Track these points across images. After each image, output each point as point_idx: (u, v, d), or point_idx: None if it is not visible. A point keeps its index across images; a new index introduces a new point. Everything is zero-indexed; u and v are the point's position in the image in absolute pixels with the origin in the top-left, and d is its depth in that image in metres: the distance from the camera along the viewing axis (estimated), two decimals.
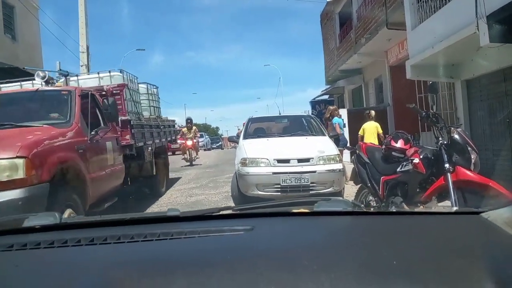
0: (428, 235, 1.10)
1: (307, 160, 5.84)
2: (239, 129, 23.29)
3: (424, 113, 3.41)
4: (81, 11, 20.95)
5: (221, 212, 1.34)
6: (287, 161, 5.85)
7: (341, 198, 2.92)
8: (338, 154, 6.04)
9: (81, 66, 21.18)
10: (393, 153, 3.78)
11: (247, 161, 5.93)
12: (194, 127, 15.14)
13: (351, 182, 6.93)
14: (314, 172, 5.73)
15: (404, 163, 3.52)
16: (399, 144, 3.76)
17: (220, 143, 39.25)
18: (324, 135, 6.94)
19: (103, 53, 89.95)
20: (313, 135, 6.89)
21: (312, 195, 5.50)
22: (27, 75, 11.47)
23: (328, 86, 19.44)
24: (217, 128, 69.95)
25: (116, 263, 1.00)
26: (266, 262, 0.90)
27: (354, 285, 0.79)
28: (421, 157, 3.27)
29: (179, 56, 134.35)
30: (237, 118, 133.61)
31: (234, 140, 7.48)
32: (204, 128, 41.59)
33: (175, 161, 14.18)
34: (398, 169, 3.58)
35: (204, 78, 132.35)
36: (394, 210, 1.93)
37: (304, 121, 7.52)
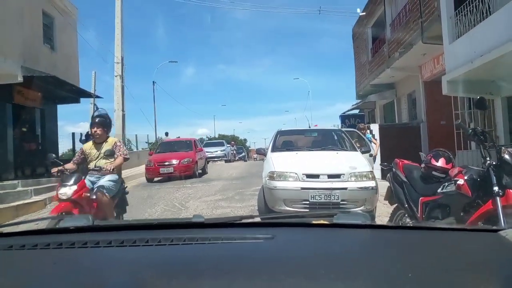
0: (445, 250, 1.11)
1: (338, 176, 5.62)
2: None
3: (470, 131, 3.16)
4: (117, 23, 21.65)
5: (243, 221, 1.40)
6: (316, 176, 5.65)
7: (360, 211, 2.89)
8: (371, 171, 5.79)
9: (116, 76, 21.84)
10: (434, 172, 3.54)
11: (274, 175, 5.77)
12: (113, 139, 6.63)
13: (384, 201, 6.68)
14: (345, 189, 5.50)
15: (446, 184, 3.28)
16: (440, 163, 3.52)
17: (243, 154, 36.29)
18: (355, 150, 6.70)
19: (137, 64, 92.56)
20: (344, 150, 6.67)
21: None
22: (63, 84, 11.86)
23: (358, 101, 19.10)
24: (245, 140, 70.07)
25: (145, 264, 1.03)
26: (285, 270, 0.93)
27: None
28: (466, 178, 3.02)
29: (210, 69, 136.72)
30: (265, 130, 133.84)
31: (262, 152, 7.35)
32: (233, 140, 40.52)
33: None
34: (439, 190, 3.33)
35: (234, 91, 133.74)
36: (411, 225, 1.90)
37: (335, 135, 7.30)
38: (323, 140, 7.18)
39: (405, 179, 3.82)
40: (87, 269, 1.04)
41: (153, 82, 27.29)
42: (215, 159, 24.75)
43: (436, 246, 1.16)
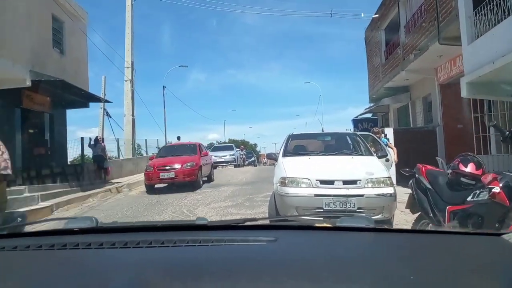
0: (448, 253, 1.10)
1: (354, 182, 5.30)
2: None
3: (508, 133, 2.84)
4: (127, 28, 21.69)
5: (246, 223, 1.39)
6: (331, 182, 5.34)
7: (363, 214, 2.84)
8: (389, 177, 5.46)
9: (126, 81, 21.83)
10: (462, 179, 3.21)
11: (286, 181, 5.48)
12: None
13: (402, 209, 6.33)
14: (362, 196, 5.18)
15: (478, 192, 2.96)
16: (470, 168, 3.20)
17: (253, 159, 34.68)
18: (371, 155, 6.37)
19: (147, 70, 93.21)
20: (360, 154, 6.34)
21: None
22: (72, 88, 11.77)
23: (371, 104, 18.70)
24: (255, 144, 69.78)
25: (148, 266, 1.03)
26: (288, 272, 0.93)
27: None
28: (502, 185, 2.70)
29: (220, 74, 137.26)
30: (275, 135, 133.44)
31: (273, 157, 7.05)
32: (243, 145, 39.99)
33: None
34: (469, 198, 3.02)
35: (244, 95, 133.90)
36: (416, 229, 1.86)
37: (349, 139, 6.98)
38: (337, 144, 6.87)
39: (429, 186, 3.50)
40: (91, 270, 1.04)
41: (163, 86, 27.16)
42: (224, 164, 23.75)
43: (440, 250, 1.15)
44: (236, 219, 1.80)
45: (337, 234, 1.32)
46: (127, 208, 9.53)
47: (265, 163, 39.15)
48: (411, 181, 3.88)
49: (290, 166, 5.78)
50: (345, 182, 5.31)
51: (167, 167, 12.05)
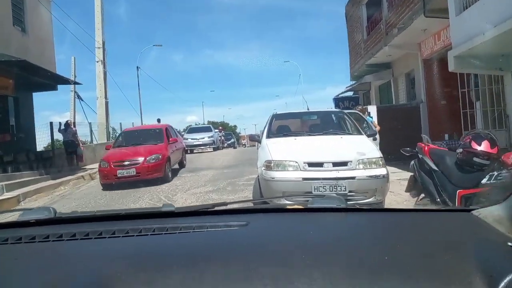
0: (420, 231, 1.12)
1: (345, 163, 4.91)
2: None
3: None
4: (97, 6, 20.47)
5: (216, 208, 1.34)
6: (320, 164, 4.92)
7: (334, 194, 2.70)
8: (381, 157, 5.08)
9: (97, 62, 20.75)
10: (475, 158, 2.83)
11: (272, 164, 5.03)
12: None
13: (396, 192, 6.00)
14: (353, 178, 4.79)
15: (495, 173, 2.57)
16: (483, 147, 2.81)
17: (232, 140, 32.83)
18: (361, 134, 5.98)
19: (119, 50, 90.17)
20: (349, 134, 5.94)
21: None
22: (36, 69, 10.90)
23: (353, 82, 18.37)
24: (235, 126, 68.96)
25: (111, 257, 0.99)
26: (260, 257, 0.93)
27: (347, 280, 0.79)
28: None
29: (198, 54, 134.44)
30: (255, 116, 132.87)
31: (256, 139, 6.55)
32: (222, 126, 39.03)
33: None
34: (485, 181, 2.63)
35: (222, 76, 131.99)
36: (387, 207, 1.81)
37: (336, 118, 6.55)
38: (323, 124, 6.44)
39: (435, 167, 3.11)
40: (50, 265, 0.97)
41: (137, 67, 26.03)
42: (202, 147, 21.48)
43: (412, 228, 1.15)
44: (205, 204, 1.68)
45: (308, 215, 1.30)
46: (101, 196, 8.96)
47: (245, 144, 38.51)
48: (412, 162, 3.48)
49: (275, 148, 5.33)
50: (335, 164, 4.91)
51: (126, 162, 9.68)
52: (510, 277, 0.77)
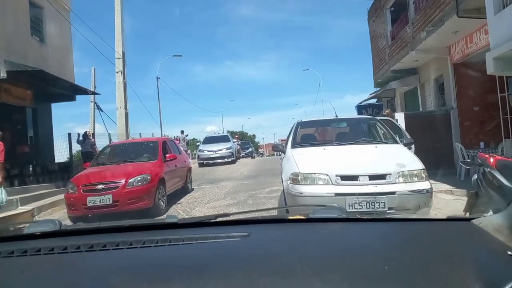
0: (420, 241, 1.12)
1: (383, 177, 4.37)
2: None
3: None
4: (117, 17, 20.47)
5: (218, 219, 1.35)
6: (354, 178, 4.40)
7: (336, 204, 2.37)
8: (423, 169, 4.52)
9: (117, 72, 20.72)
10: None
11: (299, 177, 4.54)
12: None
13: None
14: (393, 193, 4.25)
15: None
16: None
17: (250, 149, 30.64)
18: (397, 142, 5.41)
19: (140, 61, 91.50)
20: (384, 143, 5.38)
21: None
22: (54, 80, 10.74)
23: (377, 89, 17.70)
24: (254, 135, 68.59)
25: (116, 269, 1.00)
26: (262, 268, 0.92)
27: None
28: None
29: (218, 65, 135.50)
30: (274, 125, 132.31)
31: (280, 148, 6.05)
32: (239, 135, 38.42)
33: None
34: None
35: (242, 86, 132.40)
36: (387, 217, 1.72)
37: (368, 125, 6.00)
38: (354, 132, 5.91)
39: (508, 183, 2.54)
40: (55, 277, 0.98)
41: (157, 77, 26.00)
42: (219, 160, 18.13)
43: (412, 238, 1.15)
44: (207, 215, 1.67)
45: (310, 226, 1.30)
46: None
47: (262, 153, 37.72)
48: (476, 176, 2.92)
49: (303, 159, 4.84)
50: (372, 177, 4.37)
51: (100, 186, 6.82)
52: (510, 286, 0.75)
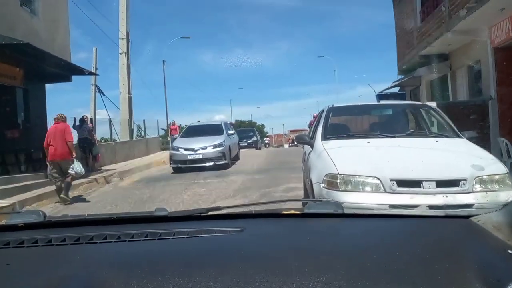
0: (419, 238, 1.10)
1: (455, 183, 3.17)
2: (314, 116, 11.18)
3: None
4: None
5: (210, 213, 1.31)
6: (416, 183, 3.20)
7: (331, 200, 2.39)
8: (507, 173, 3.29)
9: (120, 53, 19.56)
10: None
11: (338, 181, 3.34)
12: None
13: None
14: (470, 206, 3.03)
15: None
16: None
17: (254, 139, 25.49)
18: (459, 136, 4.17)
19: (145, 43, 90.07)
20: (445, 136, 4.14)
21: None
22: (45, 56, 9.61)
23: (401, 77, 16.31)
24: (263, 125, 67.05)
25: (103, 263, 0.95)
26: (256, 264, 0.90)
27: (345, 286, 0.77)
28: None
29: (227, 53, 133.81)
30: (283, 116, 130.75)
31: (305, 140, 4.80)
32: (250, 126, 35.78)
33: None
34: None
35: (251, 75, 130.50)
36: (385, 213, 1.65)
37: (421, 113, 4.73)
38: (401, 121, 4.66)
39: None
40: (39, 270, 0.93)
41: (163, 61, 24.77)
42: (200, 164, 11.55)
43: (410, 234, 1.14)
44: (199, 208, 1.49)
45: (305, 221, 1.27)
46: (111, 205, 7.49)
47: (267, 144, 33.92)
48: None
49: (341, 156, 3.63)
50: (441, 183, 3.17)
51: None
52: (510, 285, 0.75)
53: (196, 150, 11.70)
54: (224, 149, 11.97)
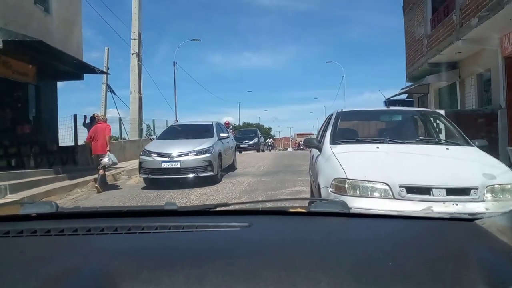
0: (424, 239, 1.11)
1: (466, 191, 3.17)
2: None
3: None
4: None
5: (218, 208, 1.33)
6: (426, 190, 3.20)
7: (338, 199, 2.38)
8: None
9: (132, 54, 19.71)
10: None
11: (346, 185, 3.36)
12: None
13: None
14: (482, 215, 3.02)
15: None
16: None
17: (256, 140, 24.01)
18: (469, 144, 4.18)
19: (157, 45, 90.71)
20: (456, 144, 4.15)
21: None
22: (57, 54, 9.72)
23: (409, 84, 16.27)
24: (270, 128, 67.02)
25: (114, 253, 0.98)
26: (263, 259, 0.91)
27: (352, 284, 0.78)
28: None
29: (236, 56, 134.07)
30: (290, 119, 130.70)
31: (314, 144, 4.82)
32: (257, 128, 35.73)
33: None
34: None
35: (260, 78, 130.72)
36: (390, 214, 1.56)
37: (427, 120, 4.74)
38: (411, 127, 4.67)
39: None
40: (51, 259, 0.94)
41: (174, 62, 24.91)
42: (176, 176, 8.92)
43: (415, 235, 1.15)
44: (207, 204, 1.56)
45: (311, 219, 1.28)
46: (118, 203, 7.57)
47: (270, 147, 33.32)
48: None
49: (350, 161, 3.65)
50: (451, 191, 3.17)
51: None
52: None
53: (173, 157, 8.85)
54: (210, 157, 9.07)
